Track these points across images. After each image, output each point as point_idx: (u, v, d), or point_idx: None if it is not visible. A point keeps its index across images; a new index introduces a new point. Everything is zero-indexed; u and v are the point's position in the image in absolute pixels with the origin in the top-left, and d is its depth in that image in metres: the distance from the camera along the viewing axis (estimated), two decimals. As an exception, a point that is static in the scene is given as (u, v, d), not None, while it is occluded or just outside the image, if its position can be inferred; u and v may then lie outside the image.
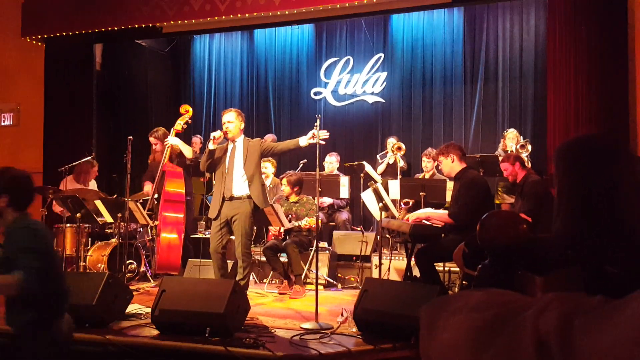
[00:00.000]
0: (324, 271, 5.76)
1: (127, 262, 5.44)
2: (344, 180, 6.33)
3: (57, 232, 6.08)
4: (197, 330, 3.41)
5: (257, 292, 5.40)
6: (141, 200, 5.72)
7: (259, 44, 9.02)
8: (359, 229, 6.51)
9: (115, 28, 7.03)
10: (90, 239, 6.05)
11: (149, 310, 3.86)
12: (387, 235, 5.49)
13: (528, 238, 1.71)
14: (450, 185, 5.21)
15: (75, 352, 3.52)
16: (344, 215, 6.81)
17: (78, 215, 5.47)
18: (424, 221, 4.47)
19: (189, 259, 5.71)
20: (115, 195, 6.35)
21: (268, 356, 3.15)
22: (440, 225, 4.42)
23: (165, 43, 9.06)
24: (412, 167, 7.64)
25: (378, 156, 7.48)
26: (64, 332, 2.45)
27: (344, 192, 6.35)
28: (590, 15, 5.63)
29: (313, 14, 6.68)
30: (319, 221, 4.48)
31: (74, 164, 6.47)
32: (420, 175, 6.86)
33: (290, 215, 5.69)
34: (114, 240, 5.85)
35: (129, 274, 5.56)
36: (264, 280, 5.90)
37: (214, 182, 5.42)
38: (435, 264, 4.45)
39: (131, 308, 4.14)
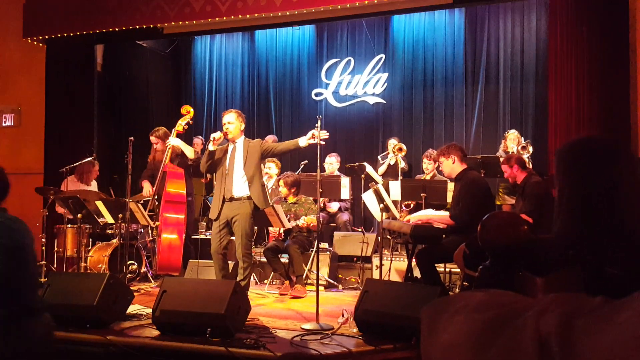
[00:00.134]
0: (324, 272, 5.76)
1: (128, 262, 5.44)
2: (345, 181, 6.33)
3: (58, 233, 6.09)
4: (198, 330, 3.41)
5: (257, 292, 5.40)
6: (142, 201, 5.72)
7: (260, 44, 9.03)
8: (359, 230, 6.51)
9: (116, 29, 7.04)
10: (91, 239, 6.06)
11: (149, 310, 3.86)
12: (388, 236, 5.47)
13: (528, 239, 1.71)
14: (451, 186, 5.21)
15: (75, 353, 3.53)
16: (345, 216, 6.81)
17: (79, 215, 5.48)
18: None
19: (190, 260, 5.71)
20: (114, 197, 6.35)
21: (269, 357, 3.15)
22: (442, 227, 4.42)
23: (166, 44, 9.07)
24: (413, 168, 7.64)
25: (379, 157, 7.48)
26: (38, 332, 2.32)
27: (345, 193, 6.36)
28: (591, 16, 5.63)
29: (314, 15, 6.68)
30: (320, 221, 4.49)
31: (75, 164, 6.48)
32: (422, 177, 6.86)
33: (289, 216, 5.69)
34: (114, 240, 5.85)
35: (129, 275, 5.56)
36: (265, 281, 5.90)
37: (214, 182, 5.43)
38: (436, 265, 4.45)
39: (132, 309, 4.15)
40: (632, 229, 1.47)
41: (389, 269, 5.55)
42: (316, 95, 8.66)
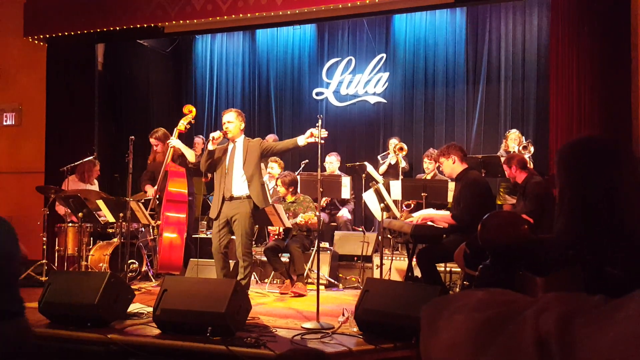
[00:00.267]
0: (325, 271, 5.76)
1: (129, 261, 5.45)
2: (346, 181, 6.33)
3: (59, 232, 6.09)
4: (199, 329, 3.42)
5: (258, 291, 5.41)
6: (143, 200, 5.72)
7: (261, 44, 9.03)
8: (360, 229, 6.51)
9: (117, 28, 7.04)
10: (92, 238, 6.06)
11: (150, 309, 3.86)
12: (389, 236, 5.48)
13: (529, 238, 1.71)
14: (451, 186, 5.21)
15: (75, 351, 3.53)
16: (346, 215, 6.81)
17: (80, 214, 5.48)
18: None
19: (191, 259, 5.71)
20: (117, 196, 6.35)
21: (269, 355, 3.15)
22: (443, 226, 4.42)
23: (167, 43, 9.07)
24: (414, 168, 7.64)
25: (379, 157, 7.48)
26: (11, 335, 2.26)
27: (346, 192, 6.36)
28: (592, 16, 5.62)
29: (315, 14, 6.68)
30: (321, 220, 4.49)
31: (75, 163, 6.48)
32: (422, 176, 6.85)
33: (288, 215, 5.70)
34: (115, 239, 5.86)
35: (130, 274, 5.56)
36: (266, 280, 5.91)
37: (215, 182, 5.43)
38: (436, 264, 4.45)
39: (133, 307, 4.15)
40: (632, 229, 1.47)
41: (390, 269, 5.55)
42: (317, 94, 8.66)
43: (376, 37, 8.39)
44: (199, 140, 7.78)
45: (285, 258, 5.64)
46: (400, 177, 6.65)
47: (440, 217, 4.47)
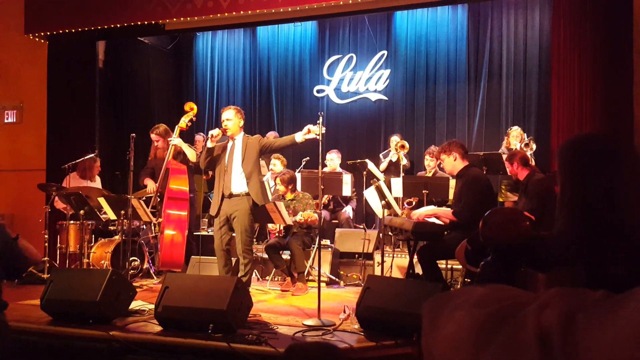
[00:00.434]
0: (326, 268, 5.77)
1: (131, 259, 5.45)
2: (347, 178, 6.33)
3: (60, 229, 6.10)
4: (200, 326, 3.42)
5: (259, 289, 5.41)
6: (144, 198, 5.73)
7: (262, 41, 9.02)
8: (361, 226, 6.51)
9: (118, 25, 7.04)
10: (93, 235, 6.07)
11: (152, 306, 3.87)
12: (390, 233, 5.48)
13: (530, 235, 1.71)
14: (452, 183, 5.21)
15: (77, 348, 3.54)
16: (347, 213, 6.81)
17: (81, 212, 5.49)
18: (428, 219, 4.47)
19: (192, 256, 5.72)
20: (118, 193, 6.36)
21: (271, 352, 3.16)
22: (445, 223, 4.42)
23: (168, 40, 9.06)
24: (415, 165, 7.63)
25: (381, 155, 7.47)
26: None
27: (347, 189, 6.36)
28: (594, 13, 5.61)
29: (316, 11, 6.67)
30: (322, 218, 4.49)
31: (77, 161, 6.48)
32: (423, 174, 6.85)
33: (287, 212, 5.70)
34: (117, 237, 5.86)
35: (132, 271, 5.57)
36: (267, 278, 5.92)
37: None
38: (437, 261, 4.45)
39: (134, 304, 4.16)
40: (632, 230, 1.47)
41: (391, 266, 5.56)
42: (318, 91, 8.65)
43: (377, 34, 8.38)
44: (199, 137, 7.78)
45: (286, 255, 5.65)
46: (401, 174, 6.64)
47: (443, 212, 4.48)
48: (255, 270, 5.82)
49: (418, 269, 4.56)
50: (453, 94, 8.00)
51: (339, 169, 6.94)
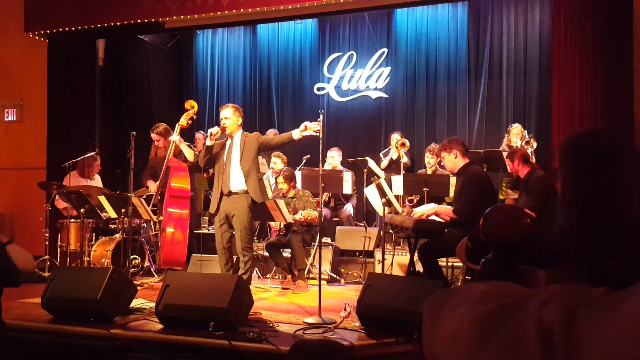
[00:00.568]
0: (327, 266, 5.77)
1: (131, 257, 5.45)
2: (347, 176, 6.33)
3: (61, 228, 6.10)
4: (201, 324, 3.42)
5: (260, 286, 5.42)
6: (145, 196, 5.73)
7: (262, 39, 9.01)
8: (362, 224, 6.52)
9: (118, 23, 7.03)
10: (94, 234, 6.07)
11: (153, 304, 3.87)
12: (390, 231, 5.48)
13: (531, 233, 1.71)
14: (453, 180, 5.20)
15: (78, 347, 3.54)
16: (348, 210, 6.81)
17: (82, 210, 5.49)
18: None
19: (193, 254, 5.72)
20: (119, 192, 6.36)
21: (271, 350, 3.16)
22: (445, 220, 4.42)
23: (168, 38, 9.05)
24: (416, 163, 7.63)
25: (381, 154, 7.47)
26: None
27: (347, 187, 6.36)
28: (595, 10, 5.60)
29: (316, 9, 6.66)
30: (322, 215, 4.48)
31: (77, 159, 6.48)
32: (424, 171, 6.85)
33: (288, 210, 5.70)
34: (117, 235, 5.87)
35: (133, 269, 5.58)
36: (268, 275, 5.92)
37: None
38: (438, 259, 4.45)
39: (135, 303, 4.16)
40: (633, 229, 1.47)
41: (391, 263, 5.56)
42: (318, 89, 8.64)
43: (377, 31, 8.36)
44: (200, 135, 7.78)
45: (287, 253, 5.65)
46: (402, 172, 6.64)
47: (444, 210, 4.48)
48: (256, 268, 5.82)
49: (419, 267, 4.57)
50: (453, 91, 7.99)
51: (339, 167, 6.94)
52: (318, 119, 4.28)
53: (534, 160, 5.81)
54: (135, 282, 4.57)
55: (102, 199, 5.52)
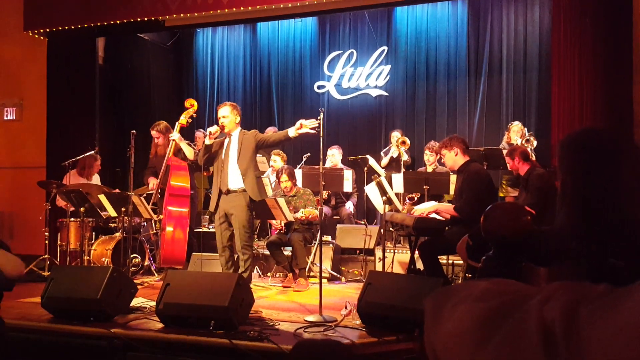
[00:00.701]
0: (327, 265, 5.77)
1: (132, 256, 5.45)
2: (348, 174, 6.32)
3: (61, 227, 6.10)
4: (202, 323, 3.42)
5: (261, 285, 5.42)
6: (145, 195, 5.73)
7: (262, 37, 9.00)
8: (362, 222, 6.51)
9: (118, 22, 7.01)
10: (94, 233, 6.07)
11: (153, 303, 3.87)
12: (391, 229, 5.48)
13: (531, 230, 1.70)
14: (453, 178, 5.20)
15: (79, 346, 3.54)
16: (348, 208, 6.81)
17: (82, 209, 5.49)
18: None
19: (193, 253, 5.72)
20: (118, 190, 6.36)
21: (272, 349, 3.16)
22: (446, 218, 4.42)
23: (168, 36, 9.04)
24: (416, 161, 7.63)
25: (382, 152, 7.46)
26: None
27: (348, 185, 6.35)
28: (594, 8, 5.59)
29: (316, 7, 6.65)
30: (322, 213, 4.48)
31: (77, 158, 6.48)
32: (423, 169, 6.84)
33: (289, 208, 5.70)
34: (118, 234, 5.87)
35: (133, 268, 5.57)
36: (268, 274, 5.92)
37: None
38: (438, 256, 4.45)
39: (135, 302, 4.16)
40: (633, 229, 1.46)
41: (392, 261, 5.56)
42: (318, 87, 8.63)
43: (377, 29, 8.36)
44: (199, 134, 7.77)
45: (287, 251, 5.65)
46: (402, 170, 6.64)
47: (444, 208, 4.48)
48: (256, 267, 5.82)
49: (419, 265, 4.56)
50: (453, 89, 7.99)
51: (340, 165, 6.93)
52: (317, 117, 4.28)
53: (534, 158, 5.80)
54: (135, 281, 4.57)
55: (102, 198, 5.51)
